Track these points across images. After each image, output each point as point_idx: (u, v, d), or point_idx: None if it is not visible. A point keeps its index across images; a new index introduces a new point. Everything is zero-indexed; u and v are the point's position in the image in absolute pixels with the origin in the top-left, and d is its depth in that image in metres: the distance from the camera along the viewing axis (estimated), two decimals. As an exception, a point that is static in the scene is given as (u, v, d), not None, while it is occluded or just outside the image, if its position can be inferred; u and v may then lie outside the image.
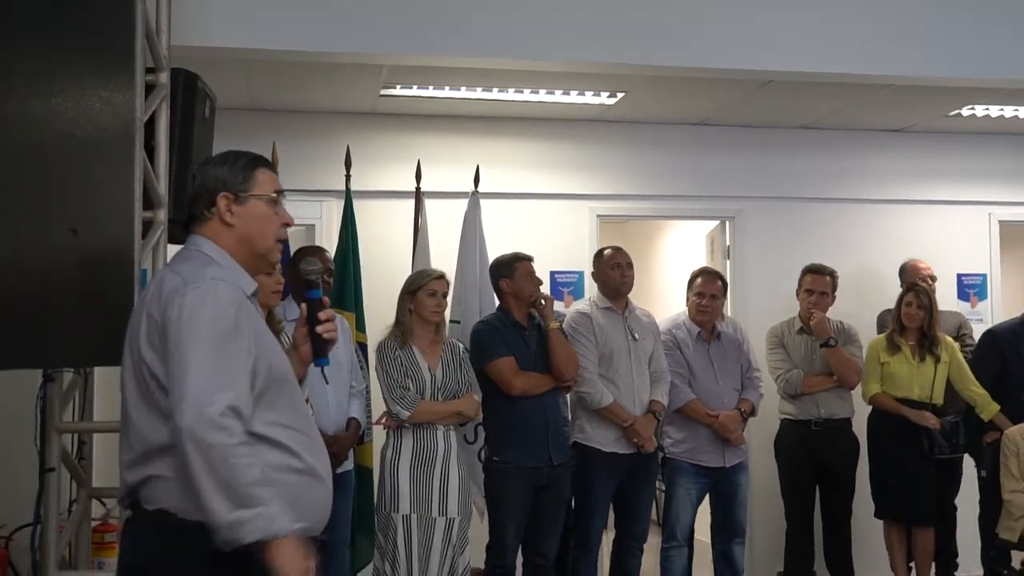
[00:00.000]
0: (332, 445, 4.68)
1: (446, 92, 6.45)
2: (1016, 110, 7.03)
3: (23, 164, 3.57)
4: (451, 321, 5.63)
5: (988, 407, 6.25)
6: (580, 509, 5.71)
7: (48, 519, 4.10)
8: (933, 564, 6.46)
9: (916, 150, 7.66)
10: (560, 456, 5.44)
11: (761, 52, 5.60)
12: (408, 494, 5.00)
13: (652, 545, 6.09)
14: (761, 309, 7.07)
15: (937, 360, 6.31)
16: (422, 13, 5.25)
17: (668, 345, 5.97)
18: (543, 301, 5.52)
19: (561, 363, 5.43)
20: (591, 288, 6.31)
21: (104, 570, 4.63)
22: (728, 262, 7.53)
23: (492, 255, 5.85)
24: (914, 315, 6.31)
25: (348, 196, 6.13)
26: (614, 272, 5.81)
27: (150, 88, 4.07)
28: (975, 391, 6.32)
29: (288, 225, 2.95)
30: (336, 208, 6.54)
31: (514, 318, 5.51)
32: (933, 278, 6.95)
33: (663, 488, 6.14)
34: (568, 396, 5.69)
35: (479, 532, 5.36)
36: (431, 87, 6.38)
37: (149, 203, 3.99)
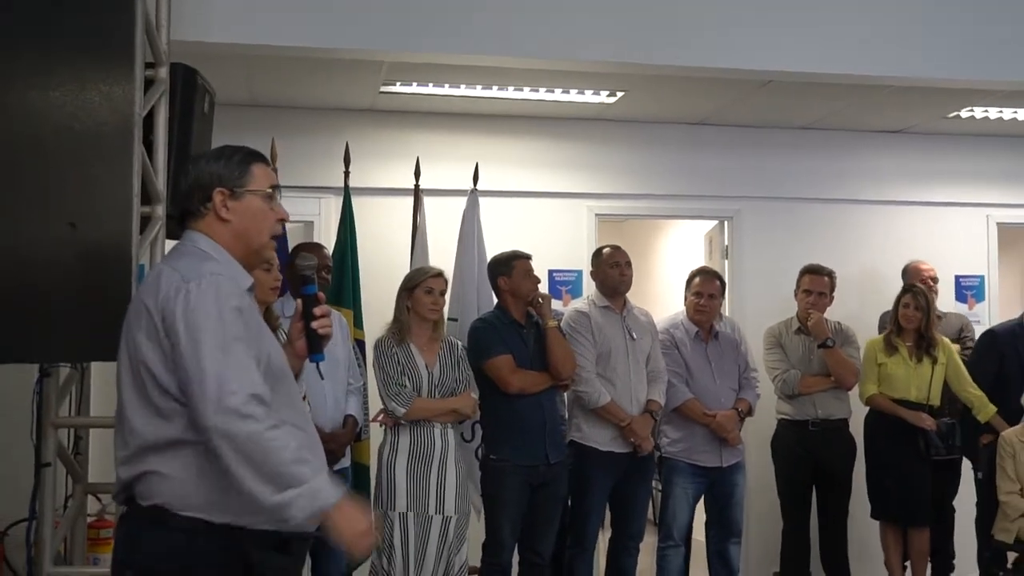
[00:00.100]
0: (329, 442, 4.69)
1: (446, 90, 6.45)
2: (1015, 112, 7.03)
3: (22, 157, 3.57)
4: (449, 319, 5.63)
5: (985, 409, 6.25)
6: (576, 508, 5.70)
7: (44, 514, 4.10)
8: (929, 565, 6.46)
9: (915, 151, 7.67)
10: (557, 455, 5.43)
11: (761, 52, 5.60)
12: (405, 492, 5.00)
13: (648, 544, 6.09)
14: (759, 309, 7.06)
15: (934, 361, 6.31)
16: (422, 10, 5.25)
17: (666, 344, 5.97)
18: (540, 300, 5.52)
19: (559, 362, 5.43)
20: (589, 287, 6.31)
21: (99, 566, 4.62)
22: (726, 262, 7.53)
23: (490, 253, 5.84)
24: (911, 316, 6.31)
25: (347, 193, 6.13)
26: (613, 271, 5.81)
27: (149, 83, 4.06)
28: (972, 393, 6.32)
29: (283, 221, 2.94)
30: (335, 205, 6.54)
31: (512, 316, 5.50)
32: (935, 280, 6.96)
33: (660, 487, 6.14)
34: (565, 395, 5.69)
35: (475, 530, 5.35)
36: (431, 84, 6.38)
37: (147, 198, 3.98)
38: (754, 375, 6.15)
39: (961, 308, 7.57)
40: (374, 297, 5.98)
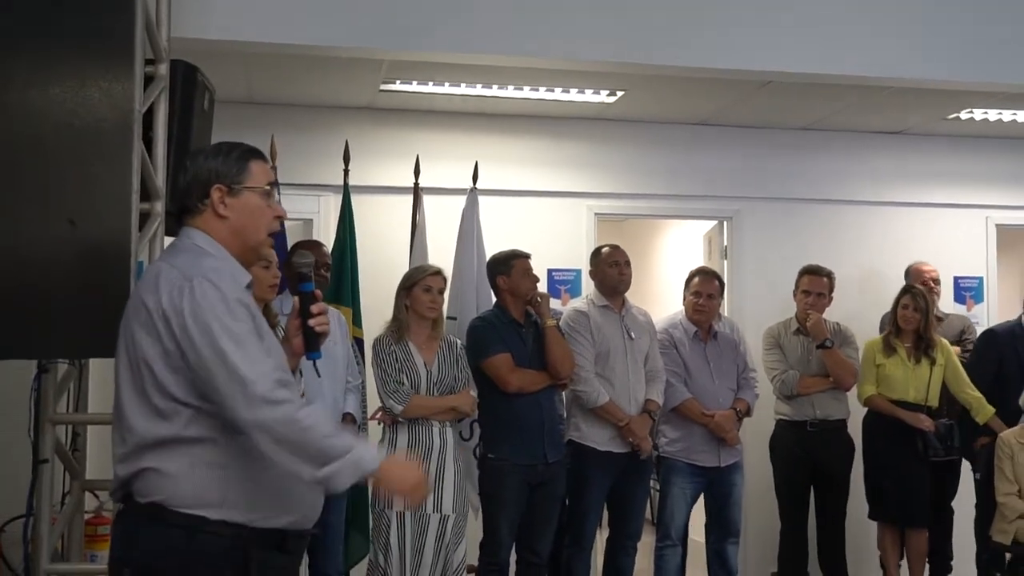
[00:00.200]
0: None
1: (446, 88, 6.45)
2: (1014, 114, 7.03)
3: (22, 154, 3.56)
4: (448, 318, 5.63)
5: (983, 410, 6.25)
6: (574, 507, 5.71)
7: (41, 511, 4.09)
8: (927, 566, 6.47)
9: (914, 153, 7.67)
10: (555, 454, 5.43)
11: (761, 53, 5.60)
12: (402, 490, 5.00)
13: (646, 544, 6.10)
14: (758, 309, 7.07)
15: (933, 363, 6.31)
16: (423, 9, 5.25)
17: (665, 344, 5.97)
18: (539, 299, 5.52)
19: (557, 361, 5.43)
20: (588, 286, 6.30)
21: (97, 563, 4.62)
22: (725, 262, 7.53)
23: (490, 252, 5.84)
24: (910, 317, 6.31)
25: (346, 191, 6.13)
26: (612, 270, 5.81)
27: (149, 80, 4.06)
28: (970, 394, 6.32)
29: (280, 218, 2.94)
30: (334, 203, 6.53)
31: (511, 315, 5.50)
32: (936, 281, 6.96)
33: (658, 487, 6.14)
34: (564, 394, 5.69)
35: (473, 529, 5.35)
36: (431, 83, 6.37)
37: (147, 195, 3.97)
38: (753, 375, 6.15)
39: (960, 309, 7.58)
40: (373, 295, 5.99)
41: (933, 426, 6.24)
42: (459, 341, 5.40)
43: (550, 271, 7.02)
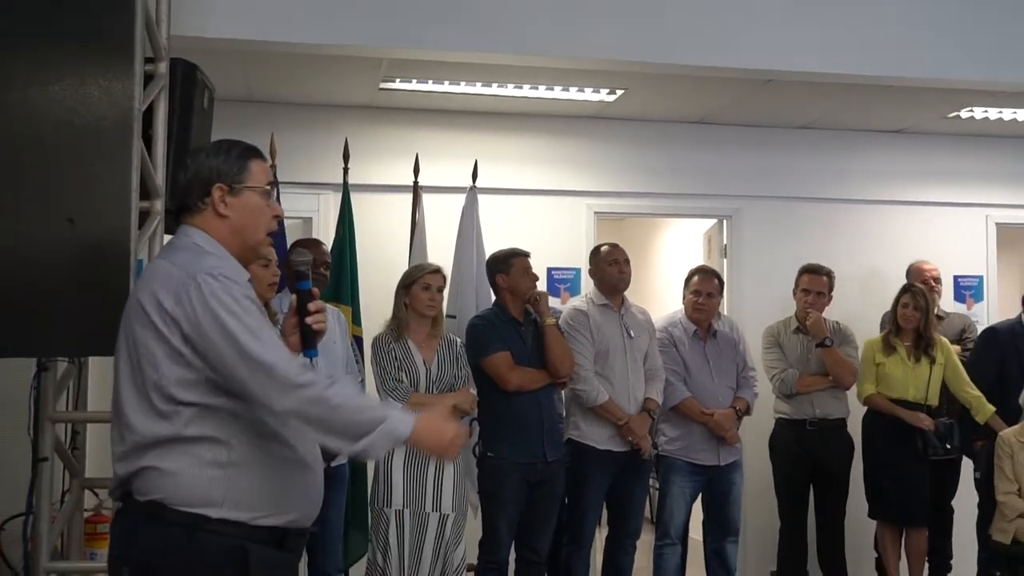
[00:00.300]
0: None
1: (445, 87, 6.44)
2: (1015, 113, 7.03)
3: (21, 152, 3.57)
4: (447, 316, 5.63)
5: (983, 409, 6.25)
6: (574, 506, 5.71)
7: (40, 509, 4.09)
8: (926, 565, 6.47)
9: (914, 151, 7.67)
10: (555, 452, 5.43)
11: (761, 51, 5.60)
12: (401, 489, 5.00)
13: (645, 543, 6.10)
14: (757, 308, 7.07)
15: (932, 361, 6.31)
16: (422, 7, 5.24)
17: (664, 343, 5.97)
18: (537, 297, 5.52)
19: (557, 359, 5.43)
20: (588, 285, 6.31)
21: (96, 561, 4.61)
22: (725, 261, 7.53)
23: (489, 250, 5.84)
24: (910, 316, 6.31)
25: (346, 189, 6.13)
26: (612, 268, 5.81)
27: (149, 78, 4.06)
28: (970, 393, 6.32)
29: (278, 217, 2.95)
30: (333, 201, 6.53)
31: (510, 314, 5.50)
32: (937, 280, 6.96)
33: (657, 486, 6.14)
34: (563, 393, 5.69)
35: (473, 528, 5.36)
36: (430, 81, 6.37)
37: (146, 193, 3.97)
38: (752, 374, 6.15)
39: (960, 308, 7.58)
40: (372, 294, 5.99)
41: (933, 425, 6.24)
42: (459, 339, 5.40)
43: (549, 270, 7.02)
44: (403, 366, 5.10)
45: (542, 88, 6.49)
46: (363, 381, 5.45)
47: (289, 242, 5.50)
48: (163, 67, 4.20)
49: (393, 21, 5.22)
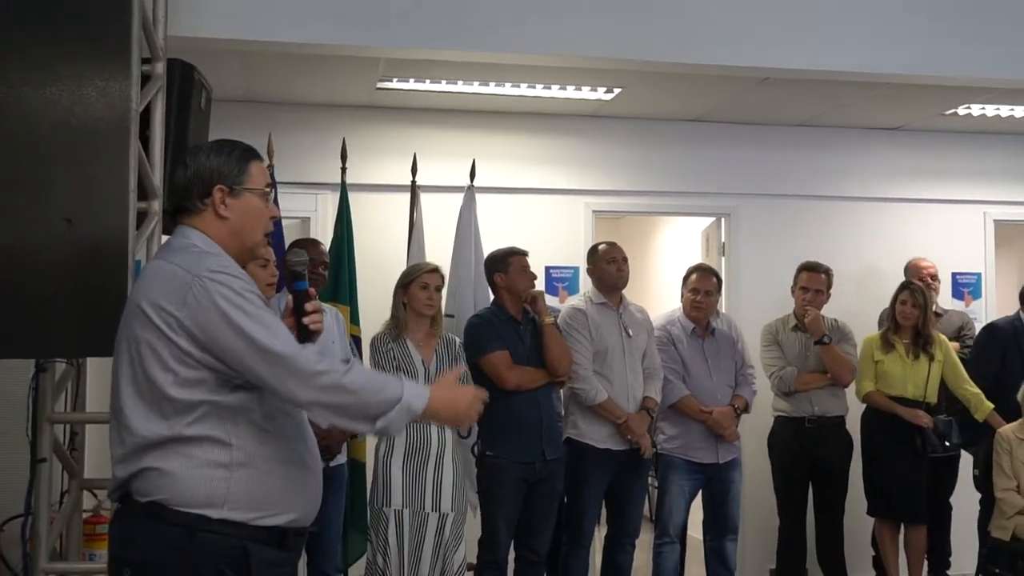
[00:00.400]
0: (325, 438, 4.67)
1: (443, 86, 6.44)
2: (1012, 110, 7.04)
3: (19, 153, 3.56)
4: (446, 315, 5.62)
5: (982, 406, 6.25)
6: (573, 505, 5.71)
7: (39, 510, 4.09)
8: (925, 562, 6.47)
9: (912, 148, 7.67)
10: (553, 451, 5.43)
11: (759, 49, 5.59)
12: (400, 489, 5.00)
13: (644, 541, 6.10)
14: (756, 306, 7.07)
15: (931, 359, 6.31)
16: (420, 6, 5.24)
17: (662, 341, 5.97)
18: (534, 296, 5.51)
19: (555, 358, 5.43)
20: (586, 284, 6.31)
21: (95, 561, 4.61)
22: (723, 259, 7.53)
23: (487, 249, 5.84)
24: (909, 313, 6.31)
25: (343, 189, 6.12)
26: (610, 267, 5.81)
27: (146, 78, 4.05)
28: (969, 390, 6.32)
29: (274, 218, 2.96)
30: (331, 201, 6.53)
31: (508, 312, 5.50)
32: (934, 277, 6.96)
33: (656, 484, 6.14)
34: (562, 392, 5.69)
35: (472, 527, 5.35)
36: (428, 80, 6.37)
37: (144, 194, 3.98)
38: (751, 372, 6.15)
39: (958, 305, 7.58)
40: (371, 293, 6.00)
41: (931, 422, 6.24)
42: (457, 339, 5.40)
43: (548, 268, 7.02)
44: (402, 366, 5.09)
45: (539, 87, 6.49)
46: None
47: (287, 242, 5.50)
48: (160, 67, 4.20)
49: (390, 21, 5.22)
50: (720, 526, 6.02)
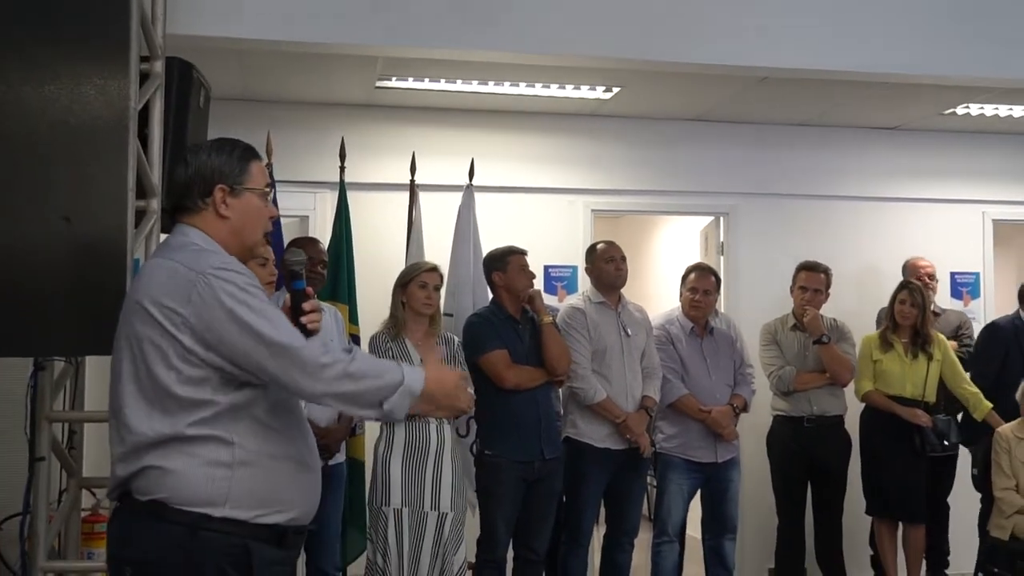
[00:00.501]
0: (324, 437, 4.69)
1: (441, 85, 6.44)
2: (1011, 109, 7.04)
3: (18, 152, 3.56)
4: (444, 314, 5.62)
5: (980, 406, 6.25)
6: (571, 504, 5.70)
7: (38, 508, 4.09)
8: (923, 562, 6.48)
9: (911, 148, 7.67)
10: (552, 450, 5.43)
11: (757, 48, 5.58)
12: (399, 488, 4.99)
13: (643, 540, 6.10)
14: (754, 305, 7.07)
15: (930, 358, 6.31)
16: (418, 5, 5.23)
17: (661, 340, 5.97)
18: (532, 296, 5.51)
19: (554, 358, 5.43)
20: (584, 283, 6.31)
21: (93, 560, 4.61)
22: (722, 258, 7.53)
23: (486, 248, 5.84)
24: (907, 313, 6.31)
25: (342, 188, 6.12)
26: (608, 266, 5.80)
27: (144, 77, 4.05)
28: (968, 389, 6.33)
29: (273, 218, 2.97)
30: (330, 200, 6.53)
31: (507, 311, 5.50)
32: (931, 276, 6.96)
33: (654, 483, 6.14)
34: (560, 391, 5.68)
35: (470, 526, 5.35)
36: (426, 79, 6.37)
37: (142, 192, 3.98)
38: (749, 371, 6.15)
39: (957, 305, 7.58)
40: (369, 292, 6.00)
41: (930, 421, 6.24)
42: (456, 338, 5.40)
43: (546, 267, 7.02)
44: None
45: (538, 86, 6.49)
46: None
47: (286, 240, 5.51)
48: (159, 66, 4.20)
49: (389, 19, 5.21)
50: (719, 525, 6.02)
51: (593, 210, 7.30)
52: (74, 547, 4.62)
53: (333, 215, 6.19)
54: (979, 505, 6.27)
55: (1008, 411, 6.08)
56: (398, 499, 4.99)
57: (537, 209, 7.15)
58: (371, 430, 5.52)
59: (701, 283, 6.06)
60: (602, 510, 5.89)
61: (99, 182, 3.64)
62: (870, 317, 6.93)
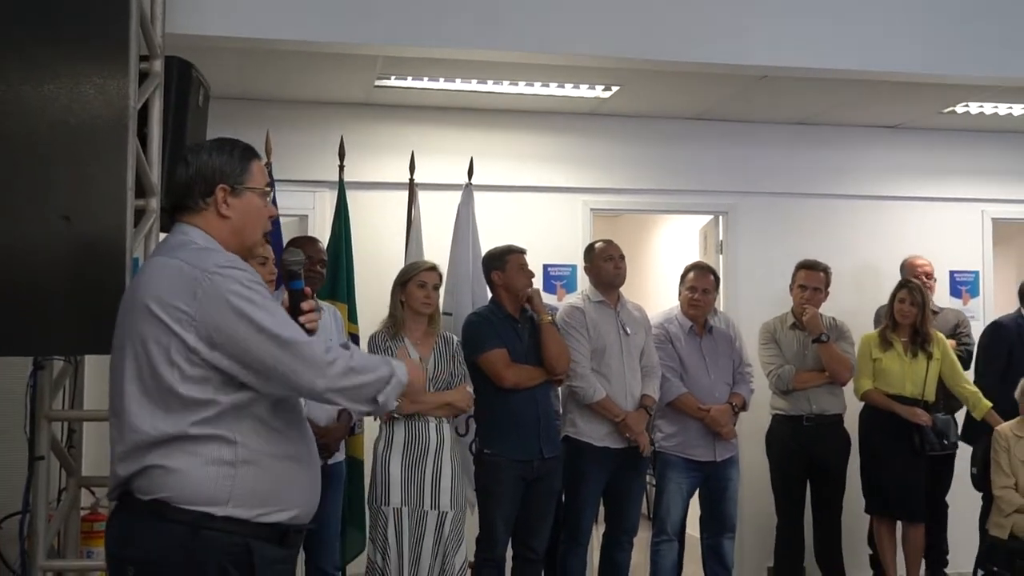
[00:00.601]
0: (323, 436, 4.69)
1: (441, 84, 6.44)
2: (1010, 108, 7.04)
3: (17, 152, 3.55)
4: (443, 313, 5.63)
5: (980, 405, 6.25)
6: (570, 503, 5.70)
7: (37, 508, 4.08)
8: (923, 561, 6.48)
9: (910, 147, 7.67)
10: (551, 449, 5.43)
11: (757, 47, 5.59)
12: (399, 487, 4.99)
13: (642, 539, 6.09)
14: (753, 304, 7.08)
15: (929, 357, 6.31)
16: (417, 4, 5.23)
17: (660, 339, 5.97)
18: (530, 295, 5.51)
19: (553, 357, 5.43)
20: (584, 282, 6.31)
21: (93, 559, 4.60)
22: (721, 257, 7.53)
23: (485, 247, 5.84)
24: (907, 311, 6.31)
25: (341, 187, 6.13)
26: (607, 264, 5.80)
27: (144, 76, 4.05)
28: (967, 388, 6.33)
29: (272, 217, 2.98)
30: (329, 199, 6.53)
31: (506, 310, 5.50)
32: (929, 276, 6.96)
33: (653, 482, 6.14)
34: (560, 390, 5.68)
35: (469, 525, 5.35)
36: (425, 78, 6.37)
37: (141, 191, 3.97)
38: (748, 370, 6.15)
39: (956, 303, 7.58)
40: (369, 291, 5.99)
41: (930, 420, 6.24)
42: (455, 337, 5.40)
43: (546, 266, 7.02)
44: (400, 364, 5.08)
45: (537, 85, 6.49)
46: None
47: (285, 239, 5.51)
48: (158, 65, 4.19)
49: (388, 18, 5.21)
50: (718, 524, 6.02)
51: (592, 209, 7.30)
52: (73, 546, 4.62)
53: (332, 214, 6.20)
54: (978, 503, 6.26)
55: (1011, 409, 6.08)
56: (398, 498, 4.99)
57: (536, 208, 7.15)
58: (370, 429, 5.52)
59: (700, 282, 6.06)
60: (601, 509, 5.90)
61: (98, 181, 3.63)
62: (869, 316, 6.94)
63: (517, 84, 6.47)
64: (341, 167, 6.15)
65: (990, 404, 6.22)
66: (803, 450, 6.36)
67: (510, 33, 5.36)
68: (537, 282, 5.78)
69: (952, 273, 7.71)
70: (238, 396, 2.61)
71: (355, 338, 5.76)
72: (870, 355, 6.38)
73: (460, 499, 5.17)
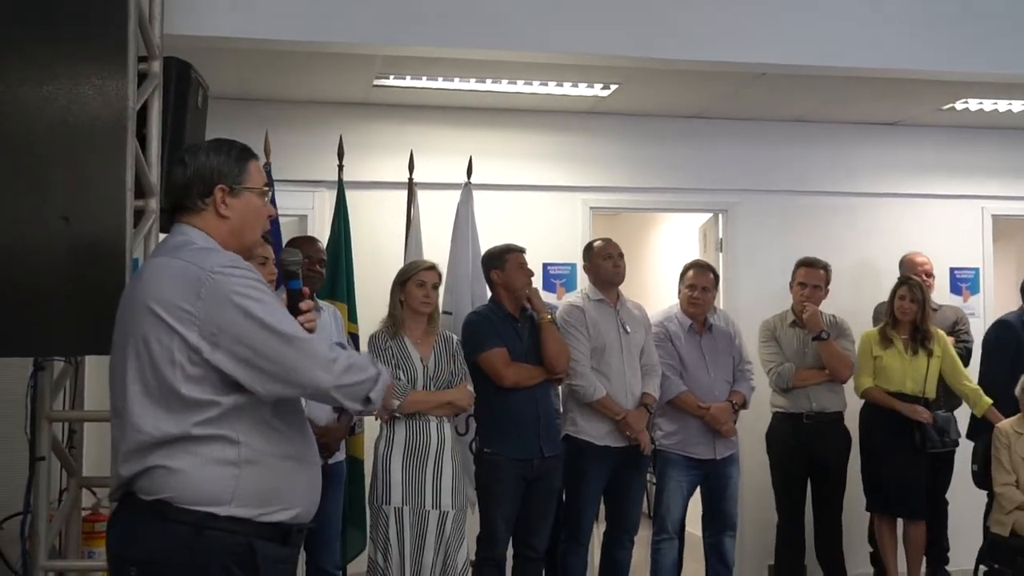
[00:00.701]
0: (324, 436, 4.69)
1: (439, 83, 6.44)
2: (1009, 104, 7.03)
3: (16, 152, 3.55)
4: (443, 312, 5.63)
5: (980, 402, 6.25)
6: (571, 502, 5.71)
7: (38, 508, 4.09)
8: (924, 558, 6.48)
9: (909, 143, 7.66)
10: (551, 448, 5.43)
11: (755, 44, 5.58)
12: (400, 486, 4.99)
13: (643, 538, 6.10)
14: (753, 302, 7.08)
15: (930, 354, 6.31)
16: (416, 3, 5.23)
17: (660, 337, 5.97)
18: (529, 294, 5.50)
19: (553, 356, 5.43)
20: (583, 280, 6.31)
21: (94, 559, 4.61)
22: (721, 255, 7.53)
23: (484, 246, 5.84)
24: (907, 309, 6.31)
25: (340, 186, 6.12)
26: (606, 263, 5.80)
27: (142, 77, 4.05)
28: (967, 385, 6.33)
29: (272, 217, 2.99)
30: (328, 198, 6.53)
31: (506, 309, 5.50)
32: (928, 273, 6.96)
33: (654, 480, 6.14)
34: (560, 388, 5.68)
35: (470, 524, 5.35)
36: (424, 78, 6.36)
37: (141, 192, 3.98)
38: (748, 368, 6.15)
39: (956, 300, 7.57)
40: (368, 290, 5.99)
41: (930, 418, 6.24)
42: (455, 336, 5.40)
43: (545, 265, 7.02)
44: (400, 363, 5.09)
45: (536, 83, 6.49)
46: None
47: (285, 240, 5.51)
48: (157, 66, 4.20)
49: (387, 18, 5.20)
50: (718, 522, 6.02)
51: (592, 207, 7.30)
52: (75, 546, 4.62)
53: (331, 214, 6.19)
54: (978, 500, 6.25)
55: (1013, 407, 6.07)
56: (399, 498, 4.99)
57: (535, 207, 7.15)
58: (371, 429, 5.52)
59: (699, 280, 6.06)
60: (602, 507, 5.90)
61: (98, 182, 3.64)
62: (868, 313, 6.94)
63: (516, 83, 6.46)
64: (340, 167, 6.15)
65: (990, 401, 6.22)
66: (803, 448, 6.36)
67: (509, 32, 5.36)
68: (536, 281, 5.78)
69: (952, 270, 7.71)
70: (239, 397, 2.61)
71: (355, 338, 5.77)
72: (870, 352, 6.37)
73: (461, 498, 5.16)
